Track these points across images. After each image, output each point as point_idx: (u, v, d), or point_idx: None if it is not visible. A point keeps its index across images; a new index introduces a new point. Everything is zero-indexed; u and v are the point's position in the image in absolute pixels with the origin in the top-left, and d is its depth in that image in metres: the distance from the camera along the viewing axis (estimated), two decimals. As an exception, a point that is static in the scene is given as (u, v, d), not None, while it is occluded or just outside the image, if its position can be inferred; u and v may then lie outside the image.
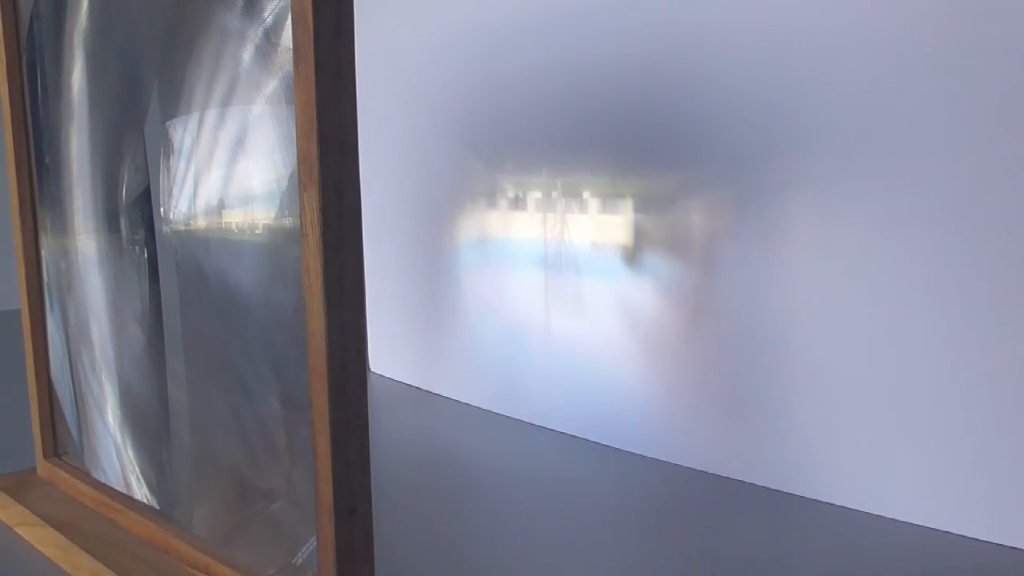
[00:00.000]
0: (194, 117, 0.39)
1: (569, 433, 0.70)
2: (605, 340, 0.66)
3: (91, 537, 0.46)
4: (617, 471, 0.61)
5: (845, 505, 0.54)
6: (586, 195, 0.66)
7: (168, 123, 0.40)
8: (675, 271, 0.61)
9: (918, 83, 0.49)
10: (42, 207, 0.52)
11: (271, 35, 0.34)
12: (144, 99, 0.42)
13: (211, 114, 0.37)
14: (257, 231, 0.36)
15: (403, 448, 0.67)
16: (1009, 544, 0.48)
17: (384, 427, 0.72)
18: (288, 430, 0.36)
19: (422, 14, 0.80)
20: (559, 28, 0.67)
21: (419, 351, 0.86)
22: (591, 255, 0.67)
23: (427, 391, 0.84)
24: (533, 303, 0.72)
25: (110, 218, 0.46)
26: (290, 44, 0.31)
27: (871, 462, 0.53)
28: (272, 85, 0.34)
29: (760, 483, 0.58)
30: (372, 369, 0.93)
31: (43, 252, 0.52)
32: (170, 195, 0.41)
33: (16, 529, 0.50)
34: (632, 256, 0.64)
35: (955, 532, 0.50)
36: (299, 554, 0.35)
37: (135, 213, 0.44)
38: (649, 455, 0.64)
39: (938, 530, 0.50)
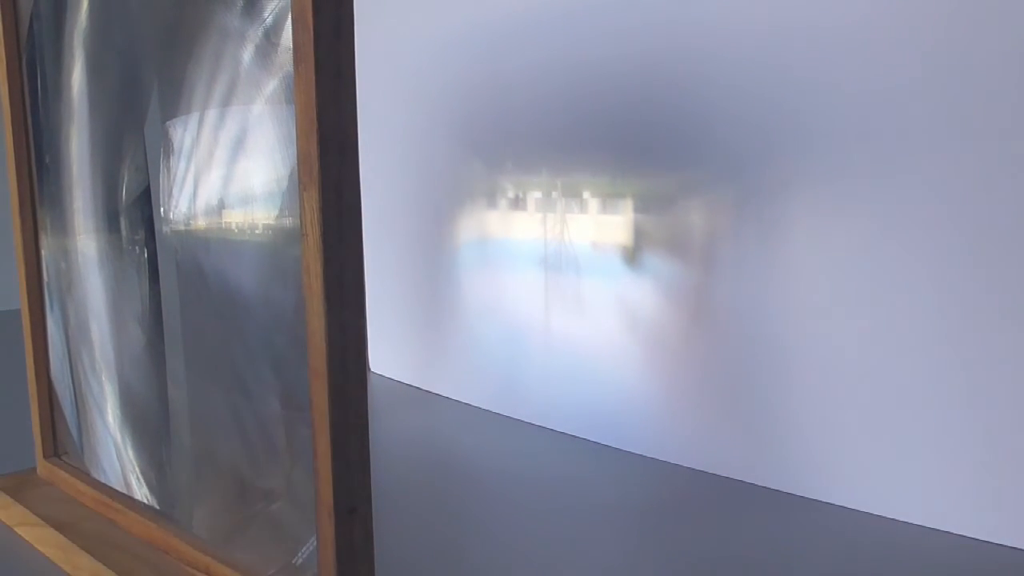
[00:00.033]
0: (194, 117, 0.39)
1: (569, 433, 0.70)
2: (605, 340, 0.66)
3: (91, 537, 0.46)
4: (617, 471, 0.61)
5: (845, 505, 0.54)
6: (586, 195, 0.66)
7: (168, 123, 0.40)
8: (675, 271, 0.61)
9: (918, 83, 0.49)
10: (42, 207, 0.52)
11: (271, 35, 0.34)
12: (144, 99, 0.42)
13: (211, 114, 0.37)
14: (257, 231, 0.36)
15: (403, 448, 0.67)
16: (1009, 544, 0.48)
17: (384, 427, 0.72)
18: (288, 430, 0.36)
19: (422, 14, 0.80)
20: (559, 28, 0.67)
21: (419, 351, 0.86)
22: (591, 255, 0.67)
23: (427, 391, 0.84)
24: (533, 303, 0.72)
25: (110, 218, 0.46)
26: (290, 44, 0.31)
27: (871, 462, 0.53)
28: (272, 85, 0.34)
29: (760, 483, 0.58)
30: (372, 369, 0.93)
31: (43, 252, 0.52)
32: (170, 195, 0.41)
33: (16, 529, 0.50)
34: (632, 256, 0.64)
35: (955, 532, 0.50)
36: (299, 554, 0.35)
37: (135, 213, 0.44)
38: (649, 455, 0.64)
39: (938, 530, 0.50)
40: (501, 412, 0.76)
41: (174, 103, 0.40)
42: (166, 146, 0.41)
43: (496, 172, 0.74)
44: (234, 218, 0.37)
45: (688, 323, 0.61)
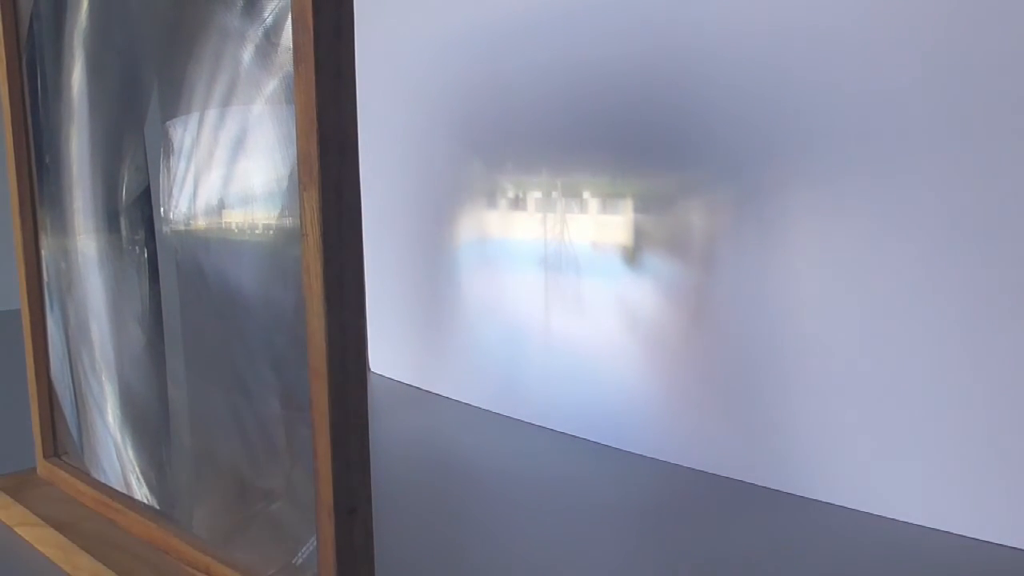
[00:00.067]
0: (194, 117, 0.39)
1: (569, 433, 0.70)
2: (605, 340, 0.66)
3: (91, 537, 0.46)
4: (617, 471, 0.61)
5: (845, 505, 0.54)
6: (586, 195, 0.66)
7: (168, 123, 0.40)
8: (675, 271, 0.61)
9: (918, 83, 0.49)
10: (42, 207, 0.52)
11: (271, 35, 0.34)
12: (144, 99, 0.42)
13: (211, 114, 0.37)
14: (257, 231, 0.36)
15: (403, 448, 0.67)
16: (1009, 544, 0.48)
17: (384, 427, 0.72)
18: (288, 430, 0.36)
19: (422, 14, 0.80)
20: (559, 28, 0.67)
21: (419, 351, 0.86)
22: (591, 255, 0.67)
23: (427, 391, 0.84)
24: (533, 303, 0.72)
25: (110, 218, 0.46)
26: (290, 44, 0.31)
27: (871, 462, 0.53)
28: (272, 85, 0.34)
29: (760, 483, 0.58)
30: (372, 369, 0.93)
31: (43, 252, 0.52)
32: (170, 195, 0.41)
33: (16, 529, 0.50)
34: (632, 256, 0.64)
35: (955, 532, 0.50)
36: (299, 554, 0.35)
37: (135, 213, 0.44)
38: (649, 455, 0.64)
39: (938, 530, 0.50)
40: (501, 412, 0.76)
41: (174, 103, 0.40)
42: (166, 146, 0.41)
43: (496, 172, 0.74)
44: (234, 218, 0.37)
45: (688, 323, 0.61)
